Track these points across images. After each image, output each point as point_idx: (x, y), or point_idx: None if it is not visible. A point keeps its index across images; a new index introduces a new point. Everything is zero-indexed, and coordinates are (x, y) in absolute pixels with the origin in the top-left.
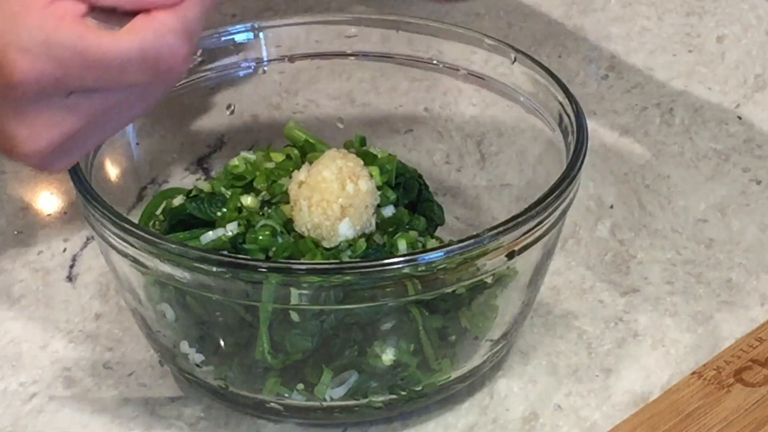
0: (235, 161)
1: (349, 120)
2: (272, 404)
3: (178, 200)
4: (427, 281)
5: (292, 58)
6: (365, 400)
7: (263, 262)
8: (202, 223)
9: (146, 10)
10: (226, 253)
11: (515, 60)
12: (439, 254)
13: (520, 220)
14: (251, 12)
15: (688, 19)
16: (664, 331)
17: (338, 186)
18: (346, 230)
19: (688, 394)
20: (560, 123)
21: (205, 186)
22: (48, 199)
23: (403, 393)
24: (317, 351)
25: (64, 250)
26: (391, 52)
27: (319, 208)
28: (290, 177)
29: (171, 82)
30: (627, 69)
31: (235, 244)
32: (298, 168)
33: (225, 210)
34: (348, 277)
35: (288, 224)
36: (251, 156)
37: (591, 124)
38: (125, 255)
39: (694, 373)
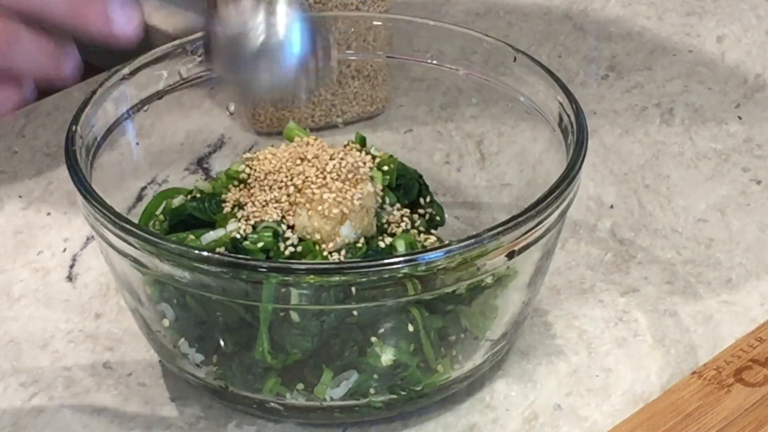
0: (237, 165)
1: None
2: (272, 404)
3: (178, 200)
4: (427, 281)
5: None
6: (365, 400)
7: (263, 262)
8: (202, 223)
9: None
10: (226, 253)
11: (515, 60)
12: (439, 254)
13: (520, 220)
14: None
15: (688, 19)
16: (664, 331)
17: (338, 190)
18: (346, 234)
19: (688, 394)
20: (560, 123)
21: (206, 186)
22: (48, 199)
23: (403, 393)
24: (317, 351)
25: (64, 250)
26: (391, 52)
27: (319, 213)
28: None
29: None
30: (627, 69)
31: (235, 244)
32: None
33: (225, 210)
34: (348, 277)
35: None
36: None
37: (591, 124)
38: (125, 255)
39: (694, 373)
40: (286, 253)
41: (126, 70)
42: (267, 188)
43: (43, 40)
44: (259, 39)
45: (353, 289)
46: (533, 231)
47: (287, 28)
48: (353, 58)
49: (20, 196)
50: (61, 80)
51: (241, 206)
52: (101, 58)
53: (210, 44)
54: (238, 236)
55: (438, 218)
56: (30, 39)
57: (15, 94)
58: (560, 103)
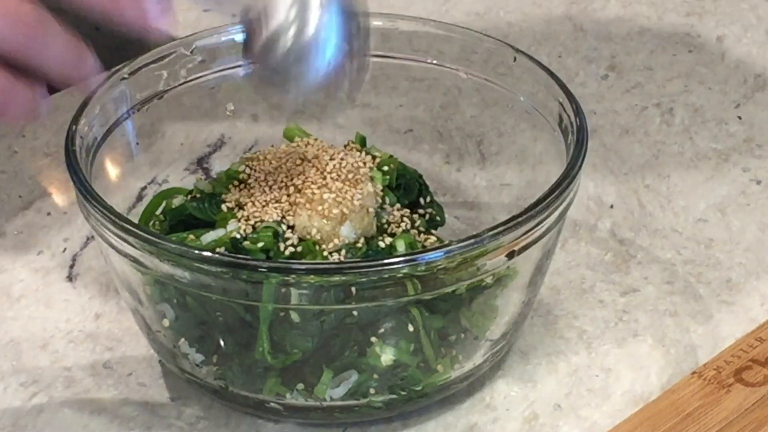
0: (237, 166)
1: (349, 120)
2: (272, 404)
3: (178, 200)
4: (427, 281)
5: None
6: (365, 400)
7: (263, 262)
8: (202, 223)
9: None
10: (226, 253)
11: (515, 60)
12: (439, 254)
13: (520, 220)
14: None
15: (688, 19)
16: (664, 331)
17: (338, 190)
18: (346, 234)
19: (688, 394)
20: (560, 123)
21: (206, 186)
22: (48, 199)
23: (403, 393)
24: (317, 351)
25: (64, 250)
26: (391, 52)
27: (319, 213)
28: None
29: None
30: (627, 69)
31: (235, 244)
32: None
33: (225, 210)
34: (348, 277)
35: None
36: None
37: (591, 124)
38: (125, 255)
39: (694, 373)
40: (286, 253)
41: (126, 70)
42: (267, 188)
43: (69, 35)
44: (295, 33)
45: (353, 289)
46: (533, 231)
47: (324, 20)
48: None
49: (20, 196)
50: (80, 81)
51: (241, 206)
52: (101, 58)
53: (248, 40)
54: (238, 236)
55: (438, 218)
56: (57, 32)
57: (26, 98)
58: (560, 103)
